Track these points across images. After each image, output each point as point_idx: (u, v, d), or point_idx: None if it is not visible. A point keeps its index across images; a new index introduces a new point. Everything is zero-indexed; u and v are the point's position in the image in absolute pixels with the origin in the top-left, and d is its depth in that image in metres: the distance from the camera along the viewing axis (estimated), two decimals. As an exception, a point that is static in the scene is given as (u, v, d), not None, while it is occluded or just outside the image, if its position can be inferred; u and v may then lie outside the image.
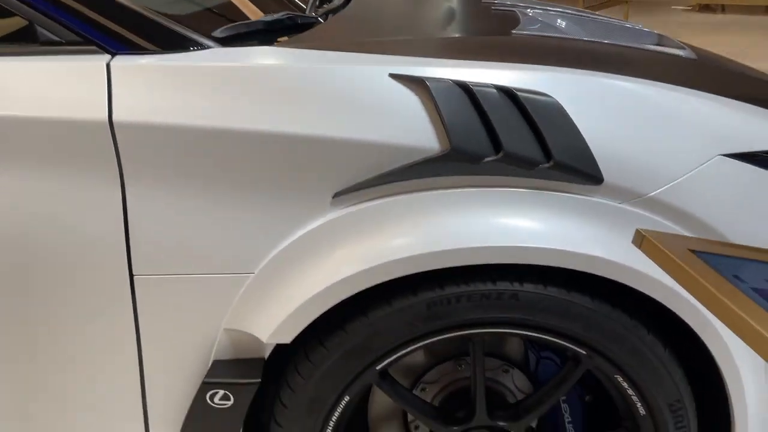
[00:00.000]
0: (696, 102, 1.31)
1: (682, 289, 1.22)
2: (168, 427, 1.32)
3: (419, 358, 1.48)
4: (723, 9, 10.63)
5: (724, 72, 1.68)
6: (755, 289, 0.78)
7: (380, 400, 1.52)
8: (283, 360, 1.35)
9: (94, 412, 1.32)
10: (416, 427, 1.51)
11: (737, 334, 0.73)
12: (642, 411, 1.30)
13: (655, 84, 1.31)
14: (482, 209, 1.22)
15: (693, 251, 0.86)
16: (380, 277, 1.20)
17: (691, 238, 0.99)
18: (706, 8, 10.60)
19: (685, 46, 1.81)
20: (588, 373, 1.43)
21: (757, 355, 1.30)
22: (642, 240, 0.89)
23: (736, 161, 1.28)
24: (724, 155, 1.27)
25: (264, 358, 1.29)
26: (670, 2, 10.50)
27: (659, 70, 1.49)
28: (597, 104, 1.25)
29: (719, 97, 1.34)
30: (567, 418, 1.47)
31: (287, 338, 1.24)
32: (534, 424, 1.49)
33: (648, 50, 1.73)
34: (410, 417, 1.52)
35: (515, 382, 1.48)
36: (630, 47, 1.69)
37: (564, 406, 1.46)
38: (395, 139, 1.19)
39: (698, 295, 0.78)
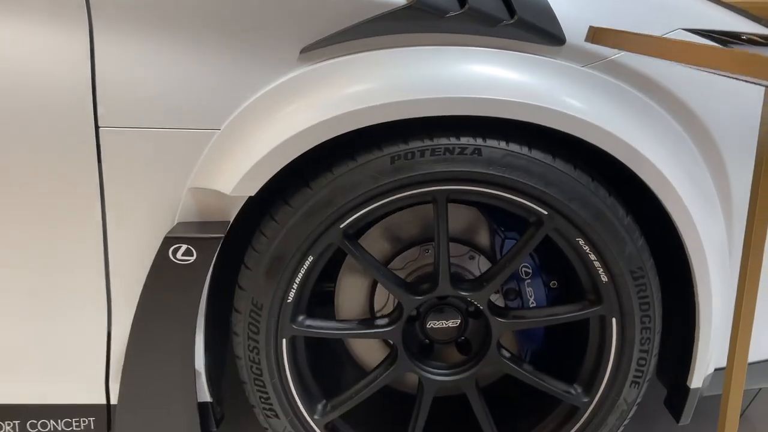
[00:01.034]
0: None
1: (644, 149, 1.25)
2: (130, 284, 1.30)
3: (385, 244, 1.48)
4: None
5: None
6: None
7: (346, 287, 1.52)
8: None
9: (55, 267, 1.30)
10: (381, 316, 1.50)
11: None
12: (604, 278, 1.31)
13: None
14: (446, 65, 1.23)
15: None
16: (341, 128, 1.21)
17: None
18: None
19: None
20: (550, 246, 1.44)
21: (718, 220, 1.32)
22: (594, 32, 0.91)
23: (695, 35, 1.31)
24: (685, 29, 1.31)
25: (229, 221, 1.29)
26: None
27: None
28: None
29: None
30: (531, 303, 1.47)
31: (251, 190, 1.24)
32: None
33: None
34: (376, 307, 1.51)
35: (481, 270, 1.48)
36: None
37: (528, 290, 1.46)
38: (362, -8, 1.21)
39: (666, 50, 0.80)
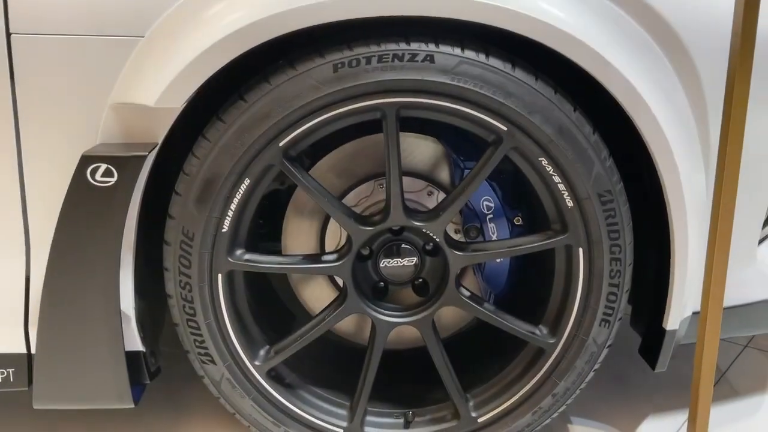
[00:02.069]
0: None
1: (610, 56, 1.14)
2: (49, 217, 1.17)
3: (336, 178, 1.36)
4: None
5: None
6: None
7: (294, 228, 1.39)
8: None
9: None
10: (330, 252, 1.37)
11: None
12: (569, 203, 1.19)
13: None
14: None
15: None
16: (276, 30, 1.09)
17: None
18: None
19: None
20: (515, 179, 1.33)
21: (694, 141, 1.22)
22: None
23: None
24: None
25: (157, 143, 1.17)
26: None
27: None
28: None
29: None
30: (494, 239, 1.35)
31: (177, 101, 1.12)
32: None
33: None
34: (327, 249, 1.39)
35: (440, 206, 1.36)
36: None
37: (491, 226, 1.35)
38: None
39: None
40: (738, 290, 1.42)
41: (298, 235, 1.39)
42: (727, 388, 1.73)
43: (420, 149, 1.36)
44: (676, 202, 1.21)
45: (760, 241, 1.47)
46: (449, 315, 1.44)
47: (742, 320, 1.45)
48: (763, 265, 1.45)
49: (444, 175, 1.37)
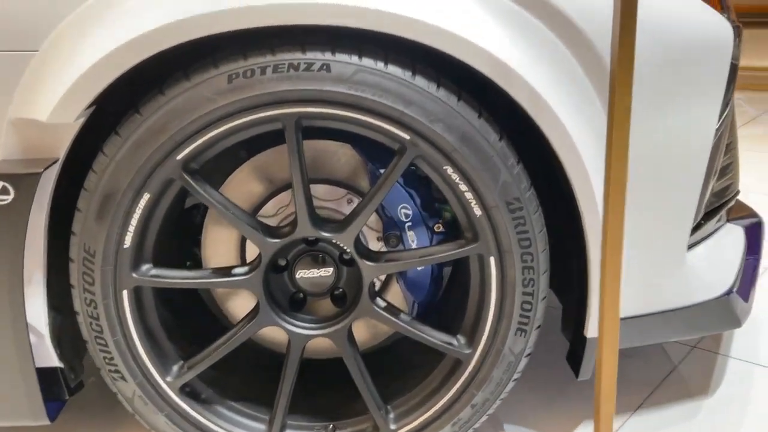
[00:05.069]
0: None
1: (510, 60, 1.11)
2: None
3: (255, 187, 1.33)
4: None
5: None
6: None
7: (213, 239, 1.36)
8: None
9: None
10: (241, 264, 1.34)
11: None
12: (477, 211, 1.17)
13: None
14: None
15: None
16: (166, 41, 1.06)
17: None
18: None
19: None
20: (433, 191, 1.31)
21: (599, 140, 1.18)
22: None
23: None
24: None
25: (57, 158, 1.15)
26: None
27: None
28: None
29: None
30: (406, 249, 1.32)
31: (69, 117, 1.09)
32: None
33: None
34: (248, 259, 1.36)
35: (360, 214, 1.33)
36: None
37: (410, 234, 1.32)
38: None
39: None
40: (673, 294, 1.39)
41: (218, 246, 1.37)
42: (679, 383, 1.70)
43: (337, 156, 1.33)
44: (586, 203, 1.18)
45: (692, 246, 1.44)
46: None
47: (683, 323, 1.42)
48: (697, 268, 1.42)
49: (363, 182, 1.34)
